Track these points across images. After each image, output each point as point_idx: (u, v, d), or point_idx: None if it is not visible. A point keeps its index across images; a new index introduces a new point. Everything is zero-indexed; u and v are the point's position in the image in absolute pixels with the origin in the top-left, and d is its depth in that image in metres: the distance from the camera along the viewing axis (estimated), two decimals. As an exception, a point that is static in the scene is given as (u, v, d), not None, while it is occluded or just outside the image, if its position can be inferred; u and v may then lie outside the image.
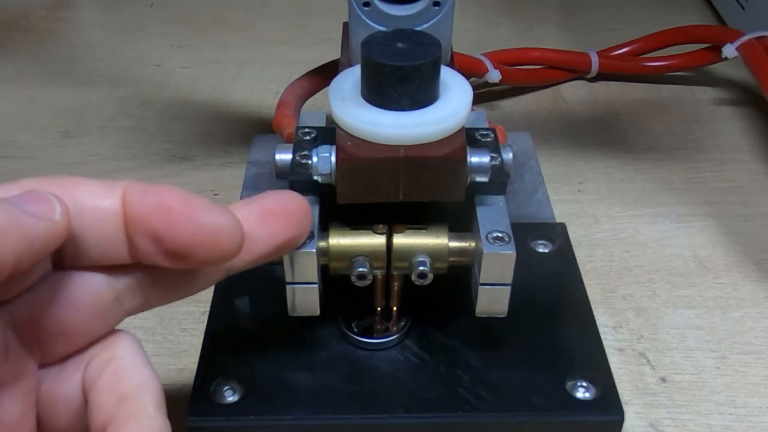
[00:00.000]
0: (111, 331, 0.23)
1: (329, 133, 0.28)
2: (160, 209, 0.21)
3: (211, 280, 0.25)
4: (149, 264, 0.22)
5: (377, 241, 0.28)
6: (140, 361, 0.23)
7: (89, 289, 0.22)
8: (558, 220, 0.38)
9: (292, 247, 0.25)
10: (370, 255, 0.28)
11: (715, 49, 0.51)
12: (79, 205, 0.21)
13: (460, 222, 0.29)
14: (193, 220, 0.21)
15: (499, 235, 0.27)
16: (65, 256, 0.22)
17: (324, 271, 0.28)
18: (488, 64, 0.50)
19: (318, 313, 0.28)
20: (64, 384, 0.23)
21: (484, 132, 0.30)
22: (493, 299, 0.27)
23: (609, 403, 0.28)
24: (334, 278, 0.28)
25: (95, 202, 0.21)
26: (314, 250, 0.26)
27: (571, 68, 0.54)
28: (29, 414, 0.22)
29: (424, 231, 0.28)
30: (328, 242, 0.28)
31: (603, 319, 0.36)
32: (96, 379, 0.22)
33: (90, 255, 0.22)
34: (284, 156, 0.28)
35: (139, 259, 0.22)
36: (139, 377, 0.22)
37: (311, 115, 0.31)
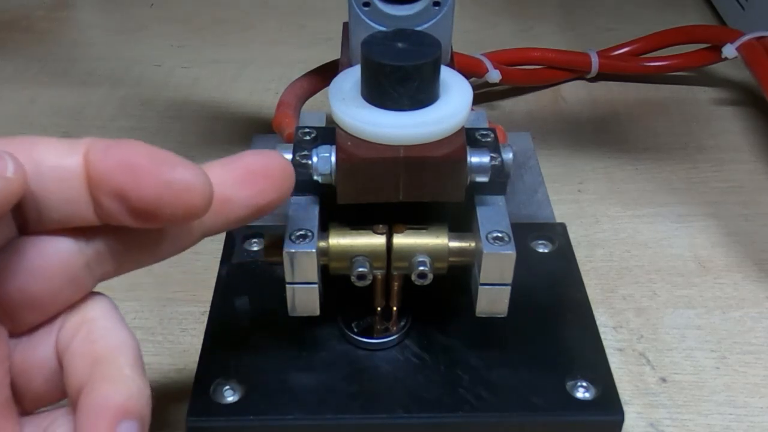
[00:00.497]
0: None
1: (329, 133, 0.28)
2: (123, 166, 0.20)
3: (186, 243, 0.24)
4: (116, 224, 0.21)
5: (377, 241, 0.28)
6: (114, 321, 0.22)
7: (57, 255, 0.22)
8: (558, 220, 0.38)
9: (273, 209, 0.24)
10: (370, 255, 0.28)
11: (715, 49, 0.51)
12: (38, 164, 0.20)
13: (460, 222, 0.29)
14: (158, 176, 0.20)
15: (499, 235, 0.27)
16: (29, 219, 0.21)
17: (324, 271, 0.28)
18: (488, 64, 0.50)
19: (318, 313, 0.28)
20: (37, 350, 0.22)
21: (484, 132, 0.30)
22: (493, 299, 0.27)
23: (609, 403, 0.28)
24: (334, 278, 0.28)
25: (56, 161, 0.21)
26: (314, 250, 0.26)
27: (571, 68, 0.54)
28: (3, 381, 0.22)
29: (424, 231, 0.28)
30: (328, 242, 0.28)
31: (603, 319, 0.36)
32: (69, 342, 0.22)
33: (54, 216, 0.21)
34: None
35: (106, 220, 0.21)
36: (113, 338, 0.22)
37: (311, 115, 0.31)
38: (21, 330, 0.22)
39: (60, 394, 0.23)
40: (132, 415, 0.20)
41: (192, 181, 0.21)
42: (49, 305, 0.22)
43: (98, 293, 0.23)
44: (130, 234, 0.22)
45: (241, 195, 0.23)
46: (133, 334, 0.22)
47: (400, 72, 0.26)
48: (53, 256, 0.22)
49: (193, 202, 0.21)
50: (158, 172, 0.20)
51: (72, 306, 0.22)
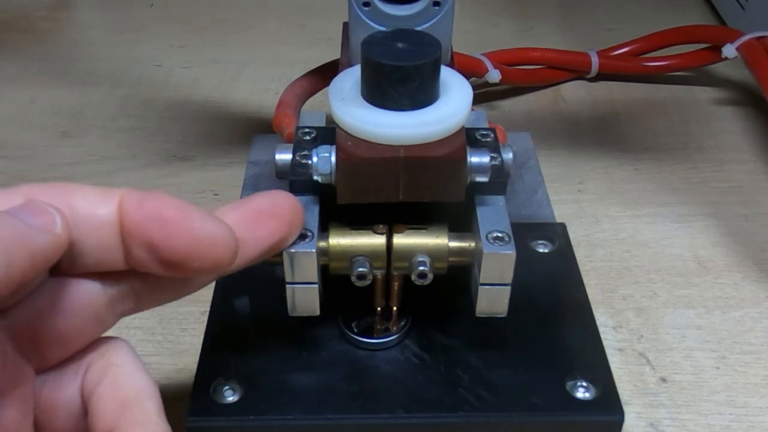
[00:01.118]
0: (105, 338, 0.24)
1: (329, 133, 0.28)
2: (156, 219, 0.21)
3: (201, 284, 0.25)
4: (144, 271, 0.22)
5: (377, 241, 0.28)
6: (137, 367, 0.23)
7: (84, 296, 0.23)
8: (558, 220, 0.38)
9: (286, 245, 0.26)
10: (370, 255, 0.28)
11: (715, 49, 0.51)
12: (75, 212, 0.21)
13: (460, 222, 0.29)
14: (189, 231, 0.21)
15: (499, 235, 0.27)
16: (62, 263, 0.22)
17: (324, 271, 0.28)
18: (488, 64, 0.50)
19: (318, 313, 0.28)
20: (62, 391, 0.23)
21: (484, 132, 0.30)
22: (493, 299, 0.27)
23: (609, 403, 0.28)
24: (334, 278, 0.28)
25: (92, 210, 0.22)
26: (314, 250, 0.26)
27: (571, 68, 0.54)
28: (27, 420, 0.22)
29: (424, 231, 0.28)
30: (328, 242, 0.28)
31: (603, 319, 0.36)
32: (95, 386, 0.22)
33: (86, 262, 0.22)
34: (284, 156, 0.28)
35: (135, 266, 0.22)
36: (138, 383, 0.23)
37: (311, 115, 0.31)
38: (46, 366, 0.23)
39: None
40: None
41: (219, 236, 0.22)
42: (73, 342, 0.23)
43: (119, 338, 0.24)
44: (154, 277, 0.23)
45: (253, 236, 0.24)
46: (153, 378, 0.23)
47: (400, 72, 0.26)
48: (80, 297, 0.22)
49: (220, 256, 0.22)
50: (189, 227, 0.21)
51: (96, 350, 0.23)
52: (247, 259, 0.24)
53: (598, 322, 0.31)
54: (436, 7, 0.30)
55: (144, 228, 0.21)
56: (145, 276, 0.23)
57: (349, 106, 0.27)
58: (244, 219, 0.24)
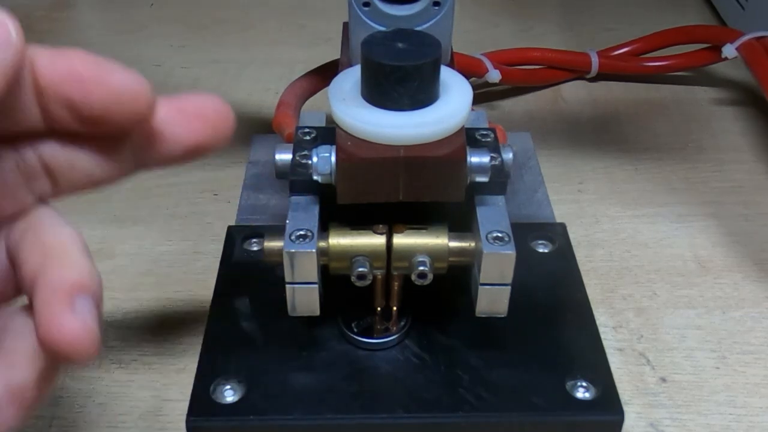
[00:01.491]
0: None
1: (329, 133, 0.28)
2: (72, 77, 0.21)
3: (120, 173, 0.24)
4: (64, 129, 0.21)
5: (377, 241, 0.28)
6: (59, 220, 0.23)
7: None
8: (558, 220, 0.38)
9: (209, 151, 0.24)
10: (370, 255, 0.28)
11: (715, 49, 0.51)
12: None
13: (460, 222, 0.29)
14: (108, 86, 0.21)
15: (499, 235, 0.27)
16: None
17: (324, 271, 0.28)
18: (488, 64, 0.50)
19: (318, 313, 0.28)
20: None
21: (484, 132, 0.30)
22: (493, 299, 0.27)
23: (609, 403, 0.28)
24: (334, 278, 0.28)
25: None
26: (314, 250, 0.26)
27: (571, 68, 0.54)
28: None
29: (424, 231, 0.28)
30: (328, 242, 0.28)
31: (603, 319, 0.36)
32: (19, 242, 0.22)
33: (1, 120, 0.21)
34: (284, 156, 0.28)
35: (53, 124, 0.21)
36: (60, 233, 0.22)
37: (311, 115, 0.31)
38: None
39: (14, 293, 0.23)
40: (87, 290, 0.21)
41: (138, 88, 0.21)
42: None
43: (42, 203, 0.23)
44: (70, 158, 0.22)
45: (173, 131, 0.23)
46: (78, 230, 0.22)
47: (400, 72, 0.26)
48: None
49: (139, 108, 0.21)
50: (107, 81, 0.21)
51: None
52: (166, 154, 0.23)
53: (598, 322, 0.31)
54: (436, 7, 0.30)
55: (60, 86, 0.21)
56: (60, 154, 0.22)
57: (349, 106, 0.27)
58: (163, 112, 0.23)
